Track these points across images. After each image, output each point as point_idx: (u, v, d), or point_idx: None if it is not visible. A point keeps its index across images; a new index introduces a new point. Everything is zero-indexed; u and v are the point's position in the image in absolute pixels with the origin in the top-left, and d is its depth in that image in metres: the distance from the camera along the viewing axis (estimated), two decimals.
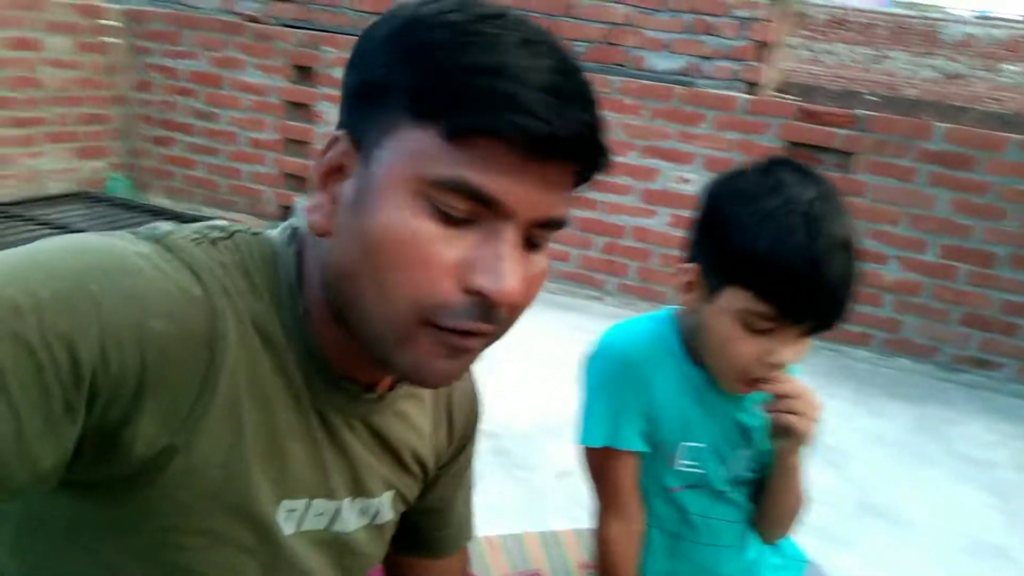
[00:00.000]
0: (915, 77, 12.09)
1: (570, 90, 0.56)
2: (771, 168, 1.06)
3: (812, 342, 1.07)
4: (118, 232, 0.59)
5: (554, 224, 0.60)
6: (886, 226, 4.05)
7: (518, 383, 3.50)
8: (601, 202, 4.60)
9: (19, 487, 0.51)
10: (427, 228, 0.55)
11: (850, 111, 4.11)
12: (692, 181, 4.37)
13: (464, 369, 0.62)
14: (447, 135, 0.54)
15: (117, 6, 5.17)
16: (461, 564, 0.97)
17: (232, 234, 0.64)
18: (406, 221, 0.55)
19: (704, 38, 4.35)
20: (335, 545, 0.73)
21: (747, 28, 4.29)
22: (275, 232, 0.67)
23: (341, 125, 0.62)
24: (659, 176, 4.45)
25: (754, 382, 1.08)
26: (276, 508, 0.65)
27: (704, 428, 1.18)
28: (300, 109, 5.01)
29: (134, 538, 0.59)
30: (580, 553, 1.36)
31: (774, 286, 0.99)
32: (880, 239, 4.06)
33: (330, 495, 0.70)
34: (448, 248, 0.56)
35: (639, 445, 1.16)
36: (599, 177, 0.61)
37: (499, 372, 3.66)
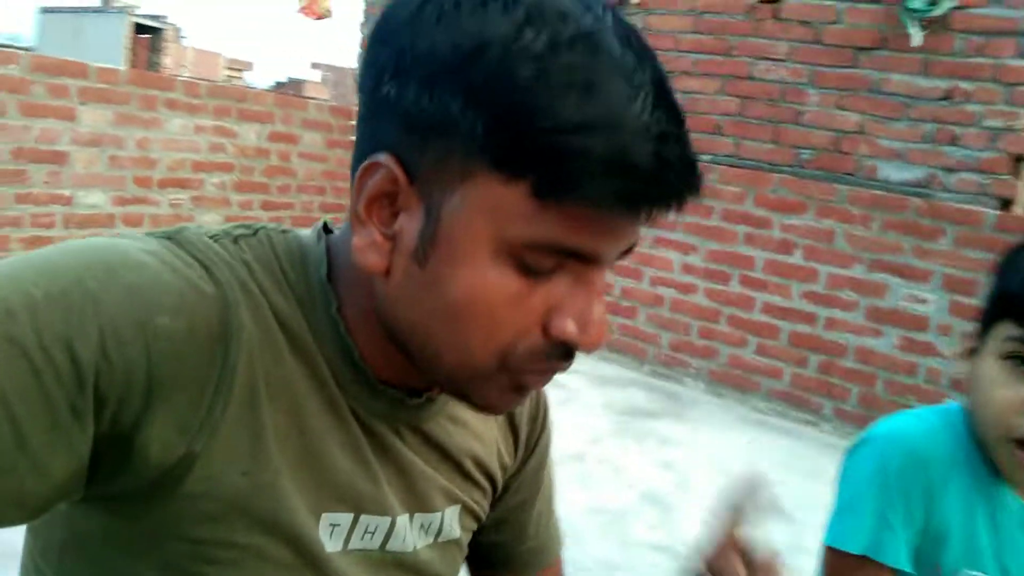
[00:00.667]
0: None
1: (674, 137, 0.49)
2: None
3: None
4: (129, 232, 0.56)
5: (630, 251, 0.55)
6: None
7: (713, 503, 3.24)
8: (820, 316, 4.28)
9: (39, 502, 0.48)
10: (513, 286, 0.51)
11: None
12: (928, 301, 3.96)
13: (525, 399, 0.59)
14: (537, 196, 0.48)
15: None
16: None
17: (256, 231, 0.59)
18: (493, 284, 0.51)
19: (947, 148, 4.01)
20: (394, 567, 0.66)
21: (999, 140, 3.91)
22: (305, 231, 0.62)
23: (377, 145, 0.53)
24: (888, 293, 4.08)
25: None
26: (316, 522, 0.59)
27: (997, 555, 0.96)
28: None
29: (165, 554, 0.55)
30: None
31: None
32: None
33: (381, 511, 0.63)
34: (533, 298, 0.52)
35: (905, 564, 0.96)
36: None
37: (694, 489, 3.42)
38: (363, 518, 0.62)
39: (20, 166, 4.10)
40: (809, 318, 4.32)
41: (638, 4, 4.86)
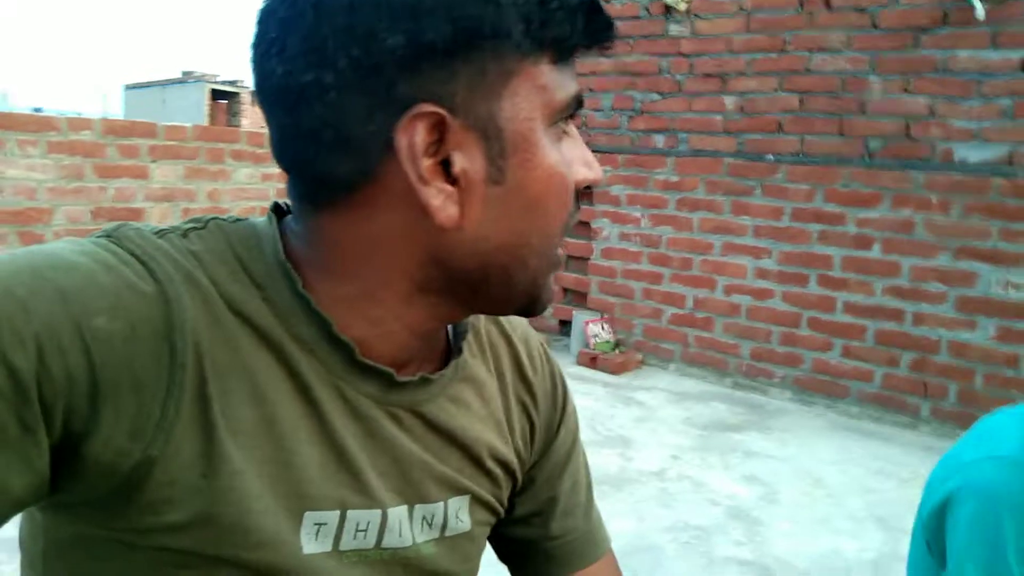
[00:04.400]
0: None
1: None
2: None
3: None
4: (69, 238, 0.55)
5: None
6: None
7: (802, 516, 3.07)
8: (907, 312, 4.05)
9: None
10: (563, 155, 0.56)
11: None
12: (1022, 286, 3.70)
13: None
14: (557, 60, 0.54)
15: None
16: None
17: (207, 223, 0.58)
18: (557, 160, 0.56)
19: None
20: (395, 565, 0.62)
21: None
22: (259, 218, 0.60)
23: (397, 105, 0.51)
24: (978, 281, 3.84)
25: None
26: (297, 522, 0.56)
27: None
28: (581, 227, 5.14)
29: (137, 562, 0.53)
30: None
31: None
32: None
33: (368, 504, 0.59)
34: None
35: None
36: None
37: (781, 501, 3.26)
38: (350, 514, 0.58)
39: (100, 225, 4.29)
40: (896, 315, 4.11)
41: (686, 11, 4.78)
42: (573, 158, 0.57)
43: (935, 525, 0.91)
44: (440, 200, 0.52)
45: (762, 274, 4.58)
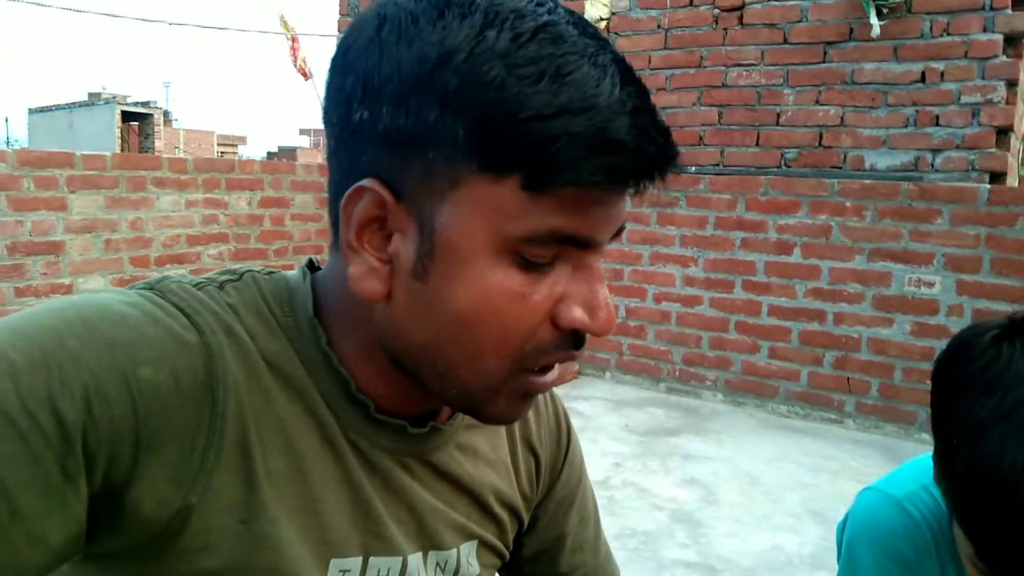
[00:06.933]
0: None
1: (645, 111, 0.49)
2: (1009, 335, 0.75)
3: None
4: (114, 288, 0.56)
5: (620, 232, 0.55)
6: None
7: (742, 515, 3.18)
8: (828, 312, 4.24)
9: (39, 570, 0.47)
10: (517, 284, 0.51)
11: None
12: (934, 284, 3.92)
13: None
14: (528, 188, 0.48)
15: None
16: None
17: (242, 275, 0.59)
18: (497, 286, 0.51)
19: (930, 130, 4.01)
20: None
21: (980, 115, 3.90)
22: (291, 272, 0.62)
23: (356, 173, 0.53)
24: (893, 280, 4.04)
25: None
26: (324, 569, 0.58)
27: None
28: None
29: None
30: None
31: (987, 523, 0.72)
32: None
33: (390, 551, 0.61)
34: (538, 292, 0.52)
35: None
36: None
37: (722, 502, 3.37)
38: (372, 560, 0.61)
39: (17, 260, 4.14)
40: (818, 315, 4.29)
41: (606, 28, 4.91)
42: (568, 294, 0.52)
43: (838, 543, 0.97)
44: (361, 270, 0.53)
45: (689, 281, 4.72)
